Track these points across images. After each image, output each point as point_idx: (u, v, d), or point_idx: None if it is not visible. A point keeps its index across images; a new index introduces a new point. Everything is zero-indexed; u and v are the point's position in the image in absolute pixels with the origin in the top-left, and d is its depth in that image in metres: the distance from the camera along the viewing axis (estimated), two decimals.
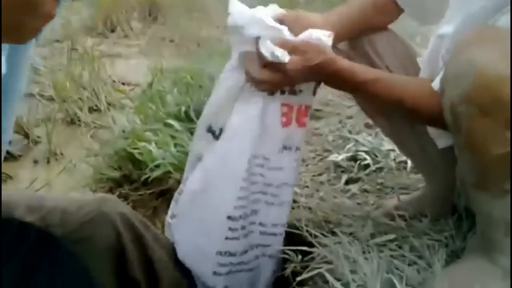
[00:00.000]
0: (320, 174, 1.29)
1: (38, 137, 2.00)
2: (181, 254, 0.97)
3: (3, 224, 0.45)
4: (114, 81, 2.52)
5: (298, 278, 0.84)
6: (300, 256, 0.94)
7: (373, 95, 0.81)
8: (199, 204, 0.95)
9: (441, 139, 0.91)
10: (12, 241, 0.43)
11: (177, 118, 1.50)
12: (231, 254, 0.97)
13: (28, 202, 0.70)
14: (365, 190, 1.17)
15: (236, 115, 0.89)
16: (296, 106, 0.90)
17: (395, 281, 0.56)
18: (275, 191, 0.96)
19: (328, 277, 0.77)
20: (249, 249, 0.99)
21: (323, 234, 0.91)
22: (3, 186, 1.57)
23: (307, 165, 1.34)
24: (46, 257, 0.44)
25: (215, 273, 0.97)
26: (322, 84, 0.89)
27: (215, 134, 0.92)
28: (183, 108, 1.53)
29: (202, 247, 0.96)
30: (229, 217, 0.94)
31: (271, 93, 0.87)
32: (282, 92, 0.88)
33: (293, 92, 0.89)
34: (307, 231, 0.91)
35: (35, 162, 1.87)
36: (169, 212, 1.01)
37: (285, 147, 0.93)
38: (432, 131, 0.92)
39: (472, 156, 0.70)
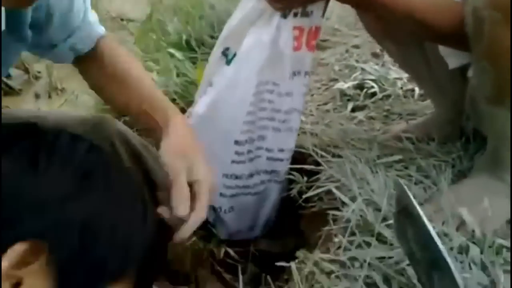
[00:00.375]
0: (325, 103, 1.28)
1: (39, 72, 1.96)
2: None
3: (55, 133, 0.44)
4: (113, 17, 2.44)
5: (304, 196, 0.85)
6: (305, 178, 0.95)
7: (383, 6, 0.77)
8: (206, 127, 0.96)
9: (452, 58, 0.88)
10: (66, 150, 0.42)
11: (178, 47, 1.46)
12: (237, 177, 1.00)
13: (27, 116, 0.69)
14: (372, 117, 1.16)
15: (249, 40, 0.89)
16: (307, 28, 0.90)
17: (405, 187, 0.56)
18: (283, 117, 0.96)
19: (335, 191, 0.77)
20: (255, 174, 1.01)
21: (329, 154, 0.91)
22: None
23: (312, 94, 1.32)
24: (100, 167, 0.44)
25: (221, 194, 0.99)
26: (328, 14, 0.86)
27: (228, 58, 0.92)
28: (184, 37, 1.48)
29: None
30: (236, 142, 0.95)
31: (284, 16, 0.87)
32: (295, 15, 0.87)
33: (305, 14, 0.88)
34: (313, 150, 0.91)
35: (37, 96, 1.85)
36: None
37: (294, 73, 0.94)
38: (443, 50, 0.89)
39: (492, 65, 0.67)
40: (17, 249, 0.37)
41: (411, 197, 0.55)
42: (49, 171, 0.40)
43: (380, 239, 0.73)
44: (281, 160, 1.01)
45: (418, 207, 0.55)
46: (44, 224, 0.39)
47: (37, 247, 0.38)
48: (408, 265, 0.68)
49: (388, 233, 0.73)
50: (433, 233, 0.53)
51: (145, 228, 0.45)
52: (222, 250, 0.99)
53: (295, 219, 1.01)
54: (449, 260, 0.51)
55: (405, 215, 0.60)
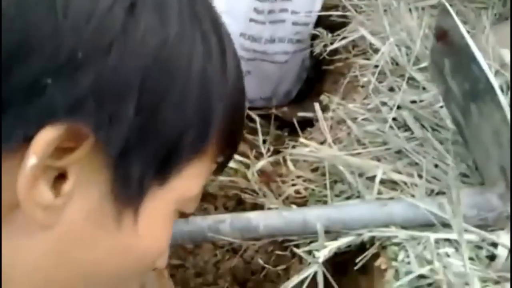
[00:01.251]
0: None
1: None
2: None
3: None
4: None
5: (331, 47, 0.79)
6: (330, 35, 0.88)
7: None
8: None
9: None
10: None
11: None
12: (255, 40, 0.95)
13: None
14: None
15: None
16: None
17: (449, 7, 0.49)
18: None
19: (366, 34, 0.71)
20: (277, 41, 0.95)
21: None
22: None
23: None
24: None
25: None
26: None
27: None
28: None
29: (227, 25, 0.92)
30: None
31: None
32: None
33: None
34: None
35: None
36: None
37: None
38: None
39: None
40: (45, 138, 0.24)
41: (455, 17, 0.49)
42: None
43: (412, 83, 0.69)
44: (307, 24, 0.95)
45: (462, 27, 0.49)
46: (79, 90, 0.24)
47: (75, 128, 0.25)
48: (441, 106, 0.64)
49: (420, 77, 0.68)
50: (477, 53, 0.47)
51: (224, 70, 0.30)
52: None
53: (318, 82, 0.97)
54: (493, 80, 0.46)
55: (445, 43, 0.54)
